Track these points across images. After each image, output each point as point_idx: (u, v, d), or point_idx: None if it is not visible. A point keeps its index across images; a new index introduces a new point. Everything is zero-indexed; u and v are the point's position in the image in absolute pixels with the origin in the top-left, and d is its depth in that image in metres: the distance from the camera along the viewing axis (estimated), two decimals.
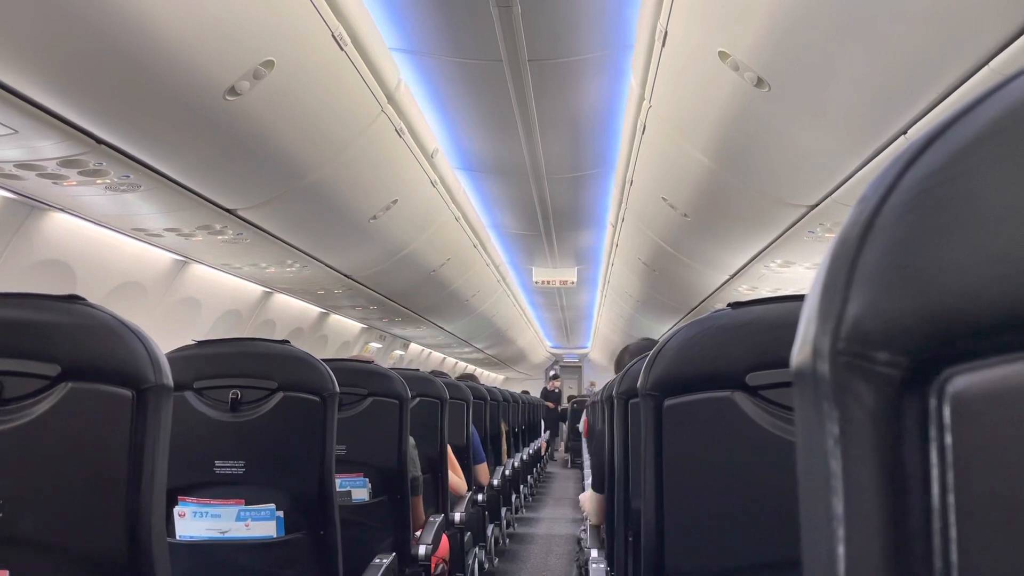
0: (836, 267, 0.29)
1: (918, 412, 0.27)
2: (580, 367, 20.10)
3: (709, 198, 3.83)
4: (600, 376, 19.17)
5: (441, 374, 6.00)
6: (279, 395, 2.06)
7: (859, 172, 2.77)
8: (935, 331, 0.27)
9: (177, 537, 2.07)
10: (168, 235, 3.75)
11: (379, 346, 10.06)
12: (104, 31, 2.08)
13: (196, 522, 2.08)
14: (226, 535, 2.06)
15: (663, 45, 2.75)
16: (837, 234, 0.30)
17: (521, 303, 11.90)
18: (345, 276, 5.51)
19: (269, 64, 2.54)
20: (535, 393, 14.95)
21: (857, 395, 0.28)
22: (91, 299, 1.21)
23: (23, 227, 3.23)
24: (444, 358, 14.90)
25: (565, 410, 14.89)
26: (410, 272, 6.23)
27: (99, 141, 2.52)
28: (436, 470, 3.82)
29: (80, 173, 2.72)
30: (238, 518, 2.08)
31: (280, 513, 2.08)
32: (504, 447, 7.20)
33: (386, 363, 10.91)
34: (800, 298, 1.28)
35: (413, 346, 12.12)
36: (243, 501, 2.08)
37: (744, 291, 5.65)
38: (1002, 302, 0.26)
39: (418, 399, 3.64)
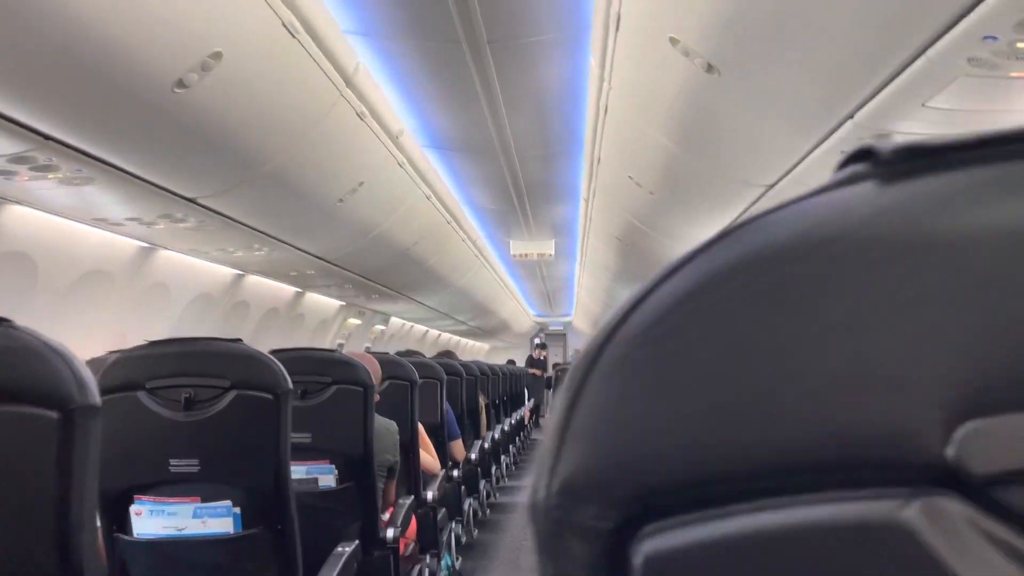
0: (555, 423, 0.30)
1: (624, 568, 0.28)
2: (565, 335, 20.10)
3: (672, 177, 3.84)
4: (584, 343, 19.34)
5: (415, 353, 6.02)
6: (232, 393, 2.07)
7: (812, 154, 2.79)
8: (635, 490, 0.28)
9: (135, 535, 2.09)
10: (130, 224, 3.73)
11: (358, 322, 10.00)
12: (46, 28, 2.04)
13: (153, 520, 2.09)
14: (183, 532, 2.08)
15: (617, 29, 2.76)
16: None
17: (501, 275, 11.86)
18: (317, 258, 5.49)
19: (217, 56, 2.51)
20: (520, 361, 14.99)
21: (568, 549, 0.28)
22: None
23: None
24: (427, 331, 14.88)
25: (551, 377, 15.04)
26: (384, 251, 6.20)
27: (47, 137, 2.49)
28: (407, 452, 3.85)
29: (31, 169, 2.69)
30: (194, 515, 2.09)
31: (237, 509, 2.09)
32: (483, 421, 7.24)
33: (367, 338, 10.93)
34: None
35: (394, 320, 12.11)
36: (199, 499, 2.09)
37: None
38: (693, 463, 0.27)
39: (388, 382, 3.66)
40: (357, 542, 2.59)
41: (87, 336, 4.35)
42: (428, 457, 4.18)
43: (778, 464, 0.26)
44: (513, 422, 9.25)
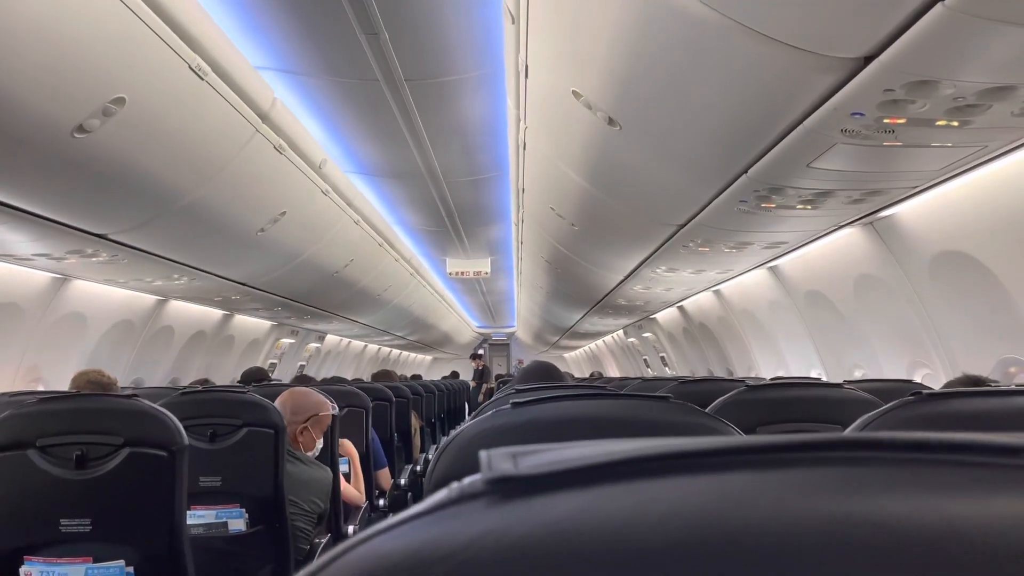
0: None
1: None
2: (508, 344, 20.26)
3: (590, 214, 3.95)
4: (527, 354, 19.28)
5: (339, 380, 5.94)
6: (125, 451, 2.03)
7: (715, 200, 2.90)
8: None
9: None
10: (39, 259, 3.63)
11: (291, 341, 9.88)
12: None
13: None
14: None
15: (526, 77, 2.84)
16: None
17: (440, 291, 11.85)
18: (240, 284, 5.43)
19: (120, 101, 2.48)
20: (465, 372, 14.89)
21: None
22: None
23: None
24: (365, 346, 14.73)
25: (492, 389, 14.78)
26: (311, 274, 6.17)
27: None
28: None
29: None
30: (86, 575, 2.05)
31: (130, 569, 2.06)
32: (416, 443, 7.18)
33: (301, 356, 10.75)
34: (592, 396, 1.24)
35: (330, 338, 11.96)
36: (91, 559, 2.04)
37: (638, 290, 5.86)
38: None
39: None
40: None
41: None
42: (351, 489, 4.14)
43: None
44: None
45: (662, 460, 0.34)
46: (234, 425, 2.81)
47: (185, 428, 2.06)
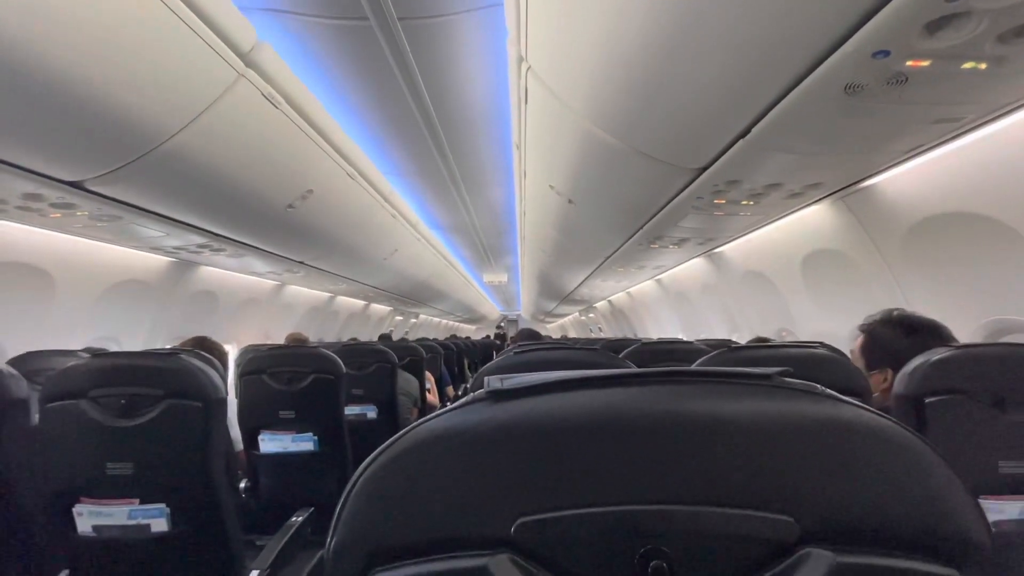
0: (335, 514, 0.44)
1: None
2: (517, 320, 22.04)
3: (563, 252, 4.46)
4: (528, 324, 20.47)
5: (426, 339, 5.70)
6: (165, 402, 1.53)
7: (623, 246, 3.49)
8: (369, 548, 0.42)
9: (79, 532, 1.55)
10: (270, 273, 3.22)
11: (400, 318, 10.56)
12: None
13: (92, 520, 1.55)
14: (122, 528, 1.54)
15: (524, 178, 3.06)
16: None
17: (480, 292, 12.97)
18: (375, 287, 5.73)
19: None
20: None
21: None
22: None
23: None
24: (441, 320, 15.76)
25: (508, 344, 16.04)
26: (413, 282, 6.55)
27: None
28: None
29: None
30: (130, 517, 1.55)
31: (169, 510, 1.55)
32: (468, 375, 7.11)
33: (408, 325, 11.29)
34: (555, 348, 1.28)
35: (422, 316, 12.48)
36: (136, 501, 1.55)
37: (586, 291, 6.80)
38: (393, 539, 0.42)
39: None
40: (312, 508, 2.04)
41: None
42: (432, 397, 3.95)
43: (433, 539, 0.41)
44: None
45: (578, 382, 0.45)
46: (305, 373, 2.33)
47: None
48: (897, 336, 1.34)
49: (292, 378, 2.25)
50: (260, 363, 2.25)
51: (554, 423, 0.42)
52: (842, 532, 0.39)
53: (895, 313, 1.40)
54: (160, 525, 1.55)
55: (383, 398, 2.95)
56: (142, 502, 1.56)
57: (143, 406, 1.54)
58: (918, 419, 1.04)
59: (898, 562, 0.38)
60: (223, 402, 1.58)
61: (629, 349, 2.03)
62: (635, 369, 0.46)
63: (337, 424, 2.30)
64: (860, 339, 1.44)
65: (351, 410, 2.88)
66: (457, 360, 6.21)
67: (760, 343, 1.86)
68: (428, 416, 0.44)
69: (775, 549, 0.39)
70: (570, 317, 14.17)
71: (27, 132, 1.72)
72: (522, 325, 21.85)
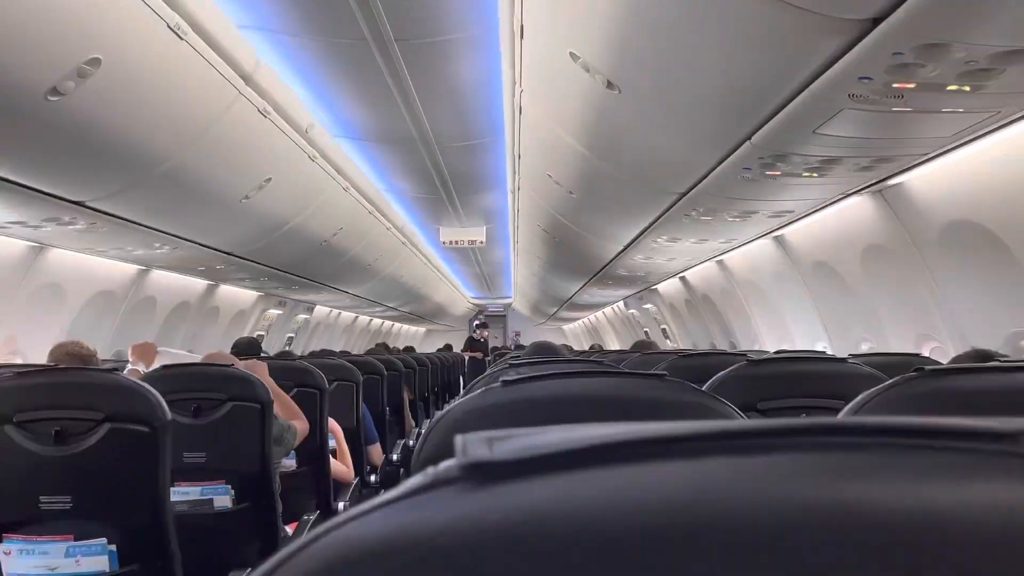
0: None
1: None
2: (504, 316, 20.26)
3: (589, 181, 3.95)
4: (524, 325, 19.35)
5: (327, 353, 5.93)
6: (106, 426, 2.03)
7: (717, 168, 2.90)
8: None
9: (5, 575, 2.05)
10: (14, 227, 3.62)
11: (279, 312, 9.88)
12: None
13: (23, 560, 2.05)
14: (55, 572, 2.05)
15: (521, 38, 2.84)
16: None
17: (433, 261, 11.79)
18: (225, 253, 5.42)
19: (95, 62, 2.45)
20: (458, 345, 14.64)
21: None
22: None
23: None
24: (356, 318, 14.72)
25: (490, 361, 14.47)
26: (299, 244, 6.14)
27: None
28: (316, 460, 3.81)
29: None
30: (67, 554, 2.05)
31: (112, 547, 2.07)
32: (409, 417, 7.19)
33: (290, 328, 10.76)
34: (584, 374, 1.23)
35: (320, 309, 11.95)
36: (72, 536, 2.05)
37: (640, 260, 5.87)
38: None
39: (296, 390, 3.63)
40: (249, 569, 2.60)
41: None
42: (340, 466, 4.16)
43: None
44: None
45: (637, 446, 0.34)
46: (219, 400, 2.83)
47: (168, 403, 2.08)
48: None
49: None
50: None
51: (599, 530, 0.31)
52: None
53: None
54: (101, 564, 2.08)
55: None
56: (77, 538, 2.08)
57: (81, 432, 2.03)
58: None
59: None
60: (169, 425, 2.11)
61: (724, 374, 1.77)
62: (754, 422, 0.38)
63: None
64: None
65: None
66: (389, 392, 5.79)
67: (983, 360, 1.73)
68: (349, 514, 0.35)
69: None
70: (608, 310, 12.75)
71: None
72: (514, 320, 19.46)
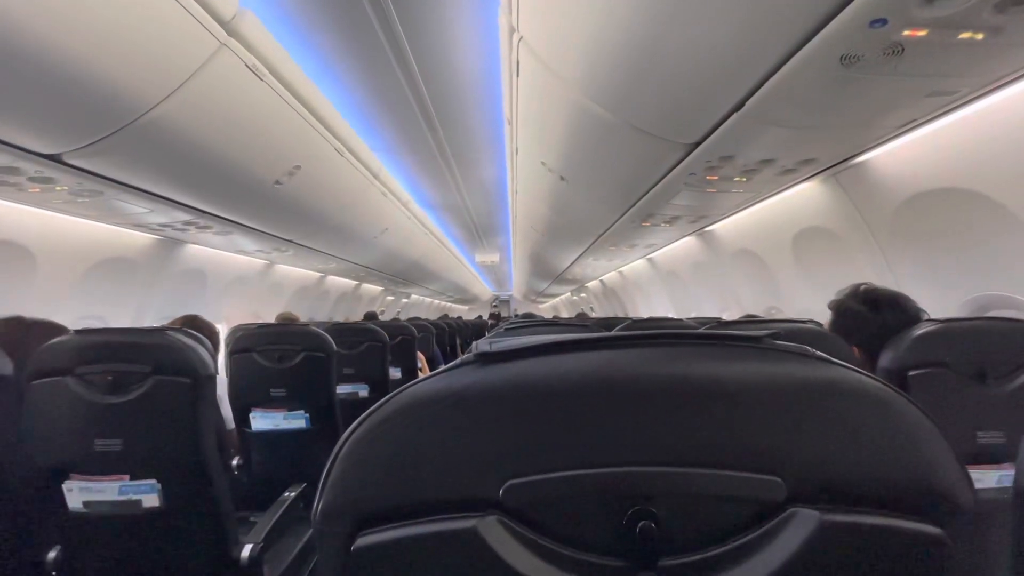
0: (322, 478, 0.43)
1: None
2: (509, 300, 22.01)
3: (556, 228, 4.36)
4: (520, 307, 20.54)
5: (418, 319, 5.73)
6: (153, 378, 1.53)
7: (616, 223, 3.40)
8: (356, 511, 0.42)
9: (70, 509, 1.55)
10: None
11: (391, 298, 10.44)
12: None
13: (84, 496, 1.55)
14: (113, 504, 1.54)
15: (516, 154, 3.02)
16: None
17: (473, 272, 12.87)
18: (367, 267, 5.82)
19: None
20: (485, 314, 17.95)
21: (330, 544, 0.42)
22: None
23: None
24: (432, 301, 15.42)
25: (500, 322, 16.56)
26: (403, 264, 6.68)
27: None
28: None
29: None
30: (120, 492, 1.55)
31: (160, 486, 1.56)
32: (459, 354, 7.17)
33: (399, 306, 11.21)
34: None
35: (413, 296, 12.31)
36: (127, 476, 1.55)
37: (578, 271, 6.82)
38: (383, 500, 0.42)
39: (366, 344, 3.08)
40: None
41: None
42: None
43: (420, 502, 0.41)
44: None
45: (568, 345, 0.44)
46: (294, 350, 2.34)
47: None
48: (862, 312, 1.32)
49: (283, 356, 2.27)
50: (250, 341, 2.24)
51: (544, 385, 0.41)
52: (829, 492, 0.39)
53: (861, 288, 1.37)
54: (152, 501, 1.55)
55: (375, 377, 2.96)
56: (132, 478, 1.56)
57: (131, 383, 1.53)
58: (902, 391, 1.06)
59: (885, 520, 0.39)
60: (212, 379, 1.58)
61: (620, 326, 2.01)
62: (626, 332, 0.45)
63: (329, 401, 2.32)
64: (829, 316, 1.40)
65: (343, 388, 2.87)
66: (449, 339, 6.23)
67: (749, 319, 1.86)
68: (415, 380, 0.44)
69: (763, 509, 0.40)
70: (562, 297, 14.21)
71: (0, 103, 1.67)
72: (514, 306, 21.83)
